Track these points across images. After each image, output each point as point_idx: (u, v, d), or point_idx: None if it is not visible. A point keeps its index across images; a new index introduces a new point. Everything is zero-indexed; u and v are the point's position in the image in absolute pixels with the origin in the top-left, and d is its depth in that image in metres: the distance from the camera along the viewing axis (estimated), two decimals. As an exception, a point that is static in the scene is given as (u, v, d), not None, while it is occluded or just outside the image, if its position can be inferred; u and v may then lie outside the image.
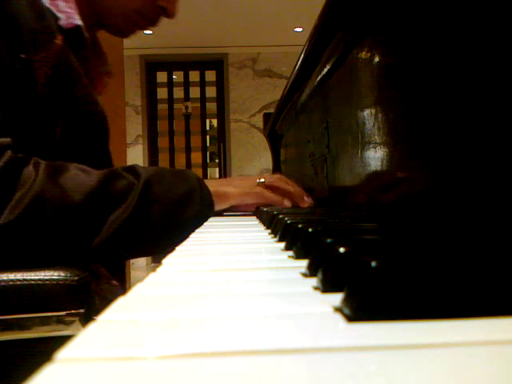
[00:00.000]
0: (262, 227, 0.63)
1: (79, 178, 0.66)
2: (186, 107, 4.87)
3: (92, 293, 0.55)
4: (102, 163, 0.78)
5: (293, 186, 0.89)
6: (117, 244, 0.68)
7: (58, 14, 0.75)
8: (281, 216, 0.53)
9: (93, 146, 0.81)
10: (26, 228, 0.61)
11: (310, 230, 0.34)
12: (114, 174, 0.69)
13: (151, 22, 0.87)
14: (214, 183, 0.81)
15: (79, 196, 0.64)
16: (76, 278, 0.54)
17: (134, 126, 4.71)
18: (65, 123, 0.73)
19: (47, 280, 0.53)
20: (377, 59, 0.55)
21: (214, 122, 5.12)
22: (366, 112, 0.59)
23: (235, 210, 0.88)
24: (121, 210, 0.67)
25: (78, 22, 0.77)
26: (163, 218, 0.70)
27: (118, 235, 0.67)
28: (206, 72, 4.91)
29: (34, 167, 0.64)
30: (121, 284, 0.86)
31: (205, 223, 0.70)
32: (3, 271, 0.54)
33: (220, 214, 0.84)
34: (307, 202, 0.88)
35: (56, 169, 0.66)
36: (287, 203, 0.86)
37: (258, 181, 0.86)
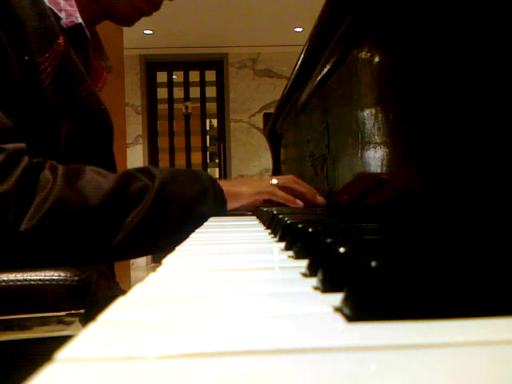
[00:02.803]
0: (261, 227, 0.63)
1: (96, 181, 0.68)
2: (186, 107, 4.87)
3: (92, 293, 0.55)
4: (105, 163, 0.79)
5: (305, 187, 0.89)
6: (134, 243, 0.70)
7: (59, 14, 0.75)
8: (281, 216, 0.53)
9: (98, 146, 0.82)
10: (47, 233, 0.63)
11: (310, 229, 0.34)
12: (130, 176, 0.71)
13: (155, 6, 0.87)
14: (227, 183, 0.82)
15: (97, 200, 0.66)
16: (76, 278, 0.54)
17: (134, 126, 4.71)
18: (70, 124, 0.73)
19: (47, 280, 0.53)
20: (377, 59, 0.55)
21: (214, 122, 5.12)
22: (366, 112, 0.59)
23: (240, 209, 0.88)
24: (137, 211, 0.69)
25: (79, 19, 0.77)
26: (177, 217, 0.72)
27: (135, 235, 0.69)
28: (206, 72, 4.91)
29: (51, 171, 0.65)
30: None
31: (205, 223, 0.70)
32: (3, 271, 0.54)
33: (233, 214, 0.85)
34: (319, 200, 0.88)
35: (73, 173, 0.67)
36: (299, 202, 0.86)
37: (270, 182, 0.88)
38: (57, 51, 0.71)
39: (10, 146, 0.62)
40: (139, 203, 0.69)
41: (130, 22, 0.89)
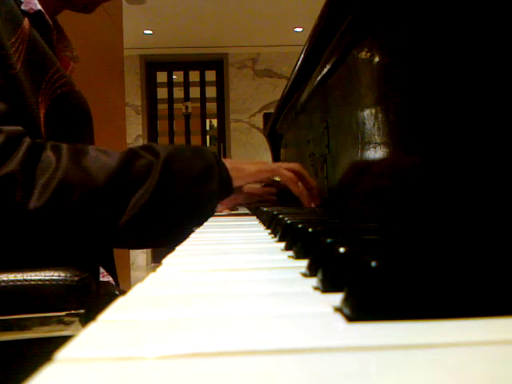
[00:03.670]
0: (261, 227, 0.63)
1: (100, 159, 0.67)
2: (186, 107, 4.87)
3: (92, 293, 0.55)
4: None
5: (308, 175, 0.90)
6: (142, 223, 0.69)
7: None
8: (281, 216, 0.53)
9: (77, 129, 0.81)
10: (55, 212, 0.63)
11: (310, 229, 0.34)
12: (134, 153, 0.71)
13: None
14: (231, 161, 0.82)
15: (102, 178, 0.66)
16: (76, 278, 0.54)
17: (134, 126, 4.71)
18: (47, 108, 0.72)
19: (47, 280, 0.53)
20: (377, 59, 0.55)
21: (214, 121, 5.12)
22: (366, 112, 0.59)
23: (246, 200, 0.88)
24: (143, 190, 0.68)
25: (38, 6, 0.76)
26: (184, 194, 0.72)
27: (143, 214, 0.68)
28: (206, 72, 4.91)
29: (54, 151, 0.65)
30: (114, 280, 0.86)
31: (205, 223, 0.70)
32: (3, 271, 0.54)
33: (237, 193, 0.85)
34: (316, 197, 0.88)
35: (78, 152, 0.67)
36: (301, 185, 0.86)
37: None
38: (23, 35, 0.71)
39: (8, 128, 0.62)
40: (145, 181, 0.69)
41: (89, 9, 0.87)
